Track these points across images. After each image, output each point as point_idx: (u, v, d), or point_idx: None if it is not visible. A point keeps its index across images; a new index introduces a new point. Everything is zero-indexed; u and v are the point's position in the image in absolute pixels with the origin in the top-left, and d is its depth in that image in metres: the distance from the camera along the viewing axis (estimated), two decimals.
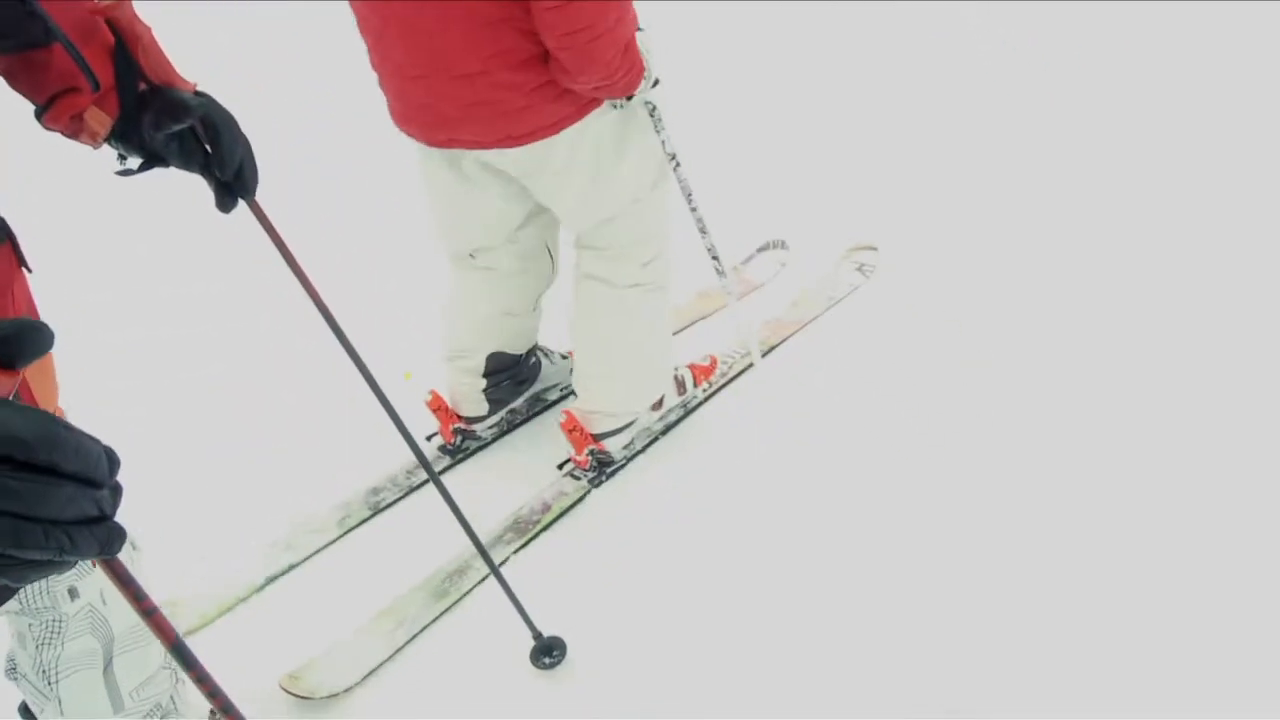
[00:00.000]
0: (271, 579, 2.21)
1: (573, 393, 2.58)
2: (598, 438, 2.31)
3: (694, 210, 2.22)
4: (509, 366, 2.42)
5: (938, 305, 2.86)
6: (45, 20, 1.19)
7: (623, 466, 2.39)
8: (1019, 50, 4.29)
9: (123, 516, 0.64)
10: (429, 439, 2.44)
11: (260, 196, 1.43)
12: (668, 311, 2.31)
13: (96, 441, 0.60)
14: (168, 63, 1.31)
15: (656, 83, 1.96)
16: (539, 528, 2.25)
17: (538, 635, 1.95)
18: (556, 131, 1.91)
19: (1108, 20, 4.44)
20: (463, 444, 2.47)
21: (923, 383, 2.59)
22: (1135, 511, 2.17)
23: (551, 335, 2.62)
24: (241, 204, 1.41)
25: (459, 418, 2.44)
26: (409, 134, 2.03)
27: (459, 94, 1.85)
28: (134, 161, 1.35)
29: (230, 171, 1.35)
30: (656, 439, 2.47)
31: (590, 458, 2.31)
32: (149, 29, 1.29)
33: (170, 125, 1.29)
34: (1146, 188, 3.33)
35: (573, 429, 2.29)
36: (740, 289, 2.89)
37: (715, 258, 2.31)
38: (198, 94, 1.33)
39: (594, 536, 2.28)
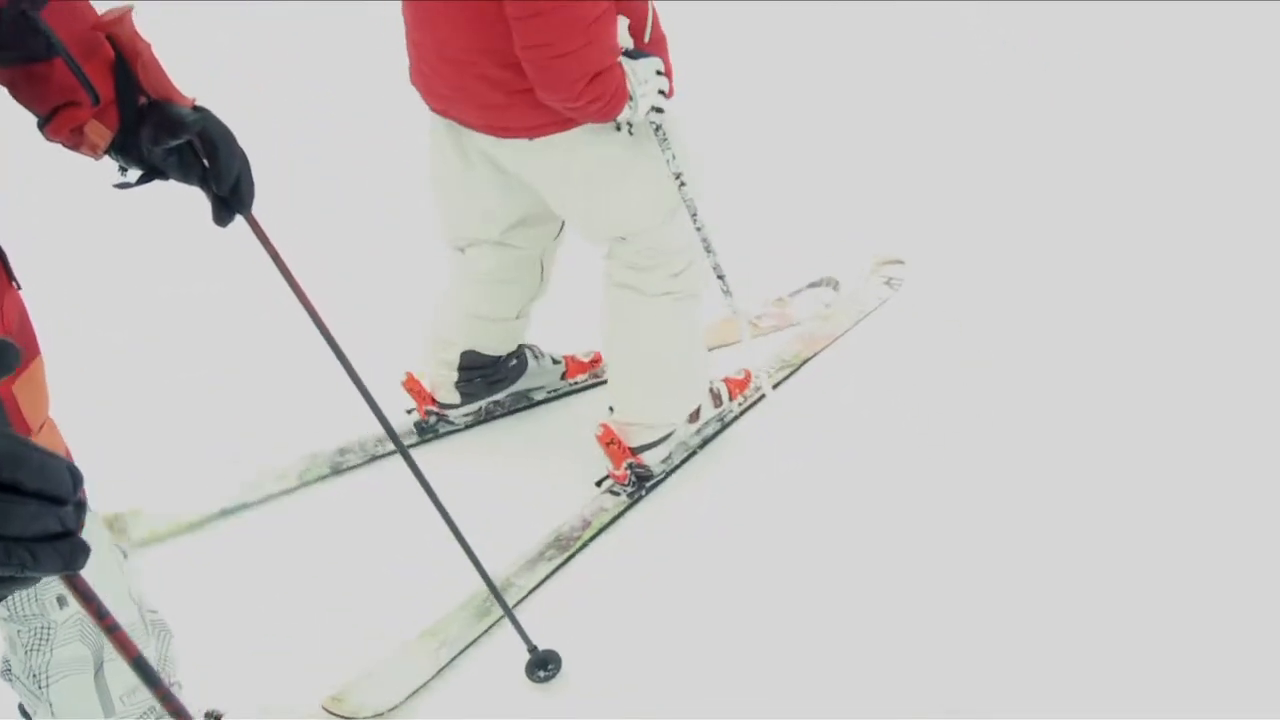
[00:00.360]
0: (226, 512, 2.30)
1: (558, 396, 2.61)
2: (635, 451, 2.28)
3: (699, 229, 2.16)
4: (483, 365, 2.42)
5: (963, 317, 2.86)
6: (48, 35, 1.22)
7: (662, 481, 2.36)
8: (1019, 50, 4.29)
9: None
10: (408, 412, 2.48)
11: (261, 196, 1.44)
12: (701, 319, 2.28)
13: (60, 458, 0.61)
14: (166, 78, 1.33)
15: (658, 110, 1.94)
16: (579, 544, 2.21)
17: (533, 649, 1.95)
18: (535, 136, 1.93)
19: (1108, 20, 4.45)
20: (435, 425, 2.49)
21: (946, 396, 2.60)
22: (1133, 517, 2.21)
23: (552, 338, 2.61)
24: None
25: (434, 401, 2.45)
26: (418, 91, 2.07)
27: (449, 75, 1.93)
28: (133, 174, 1.38)
29: (226, 186, 1.38)
30: (694, 453, 2.44)
31: (629, 472, 2.28)
32: (149, 45, 1.31)
33: (168, 140, 1.32)
34: (1156, 188, 3.35)
35: (610, 442, 2.26)
36: (777, 322, 2.86)
37: (721, 276, 2.25)
38: (197, 109, 1.35)
39: (632, 552, 2.26)
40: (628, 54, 1.87)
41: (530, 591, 2.12)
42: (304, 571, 2.20)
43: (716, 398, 2.44)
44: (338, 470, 2.41)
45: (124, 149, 1.33)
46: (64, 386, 2.61)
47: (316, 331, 1.64)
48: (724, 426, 2.50)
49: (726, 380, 2.51)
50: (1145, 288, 2.91)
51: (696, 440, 2.44)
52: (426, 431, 2.49)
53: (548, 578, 2.15)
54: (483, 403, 2.50)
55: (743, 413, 2.57)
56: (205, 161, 1.36)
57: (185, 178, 1.38)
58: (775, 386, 2.62)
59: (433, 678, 1.97)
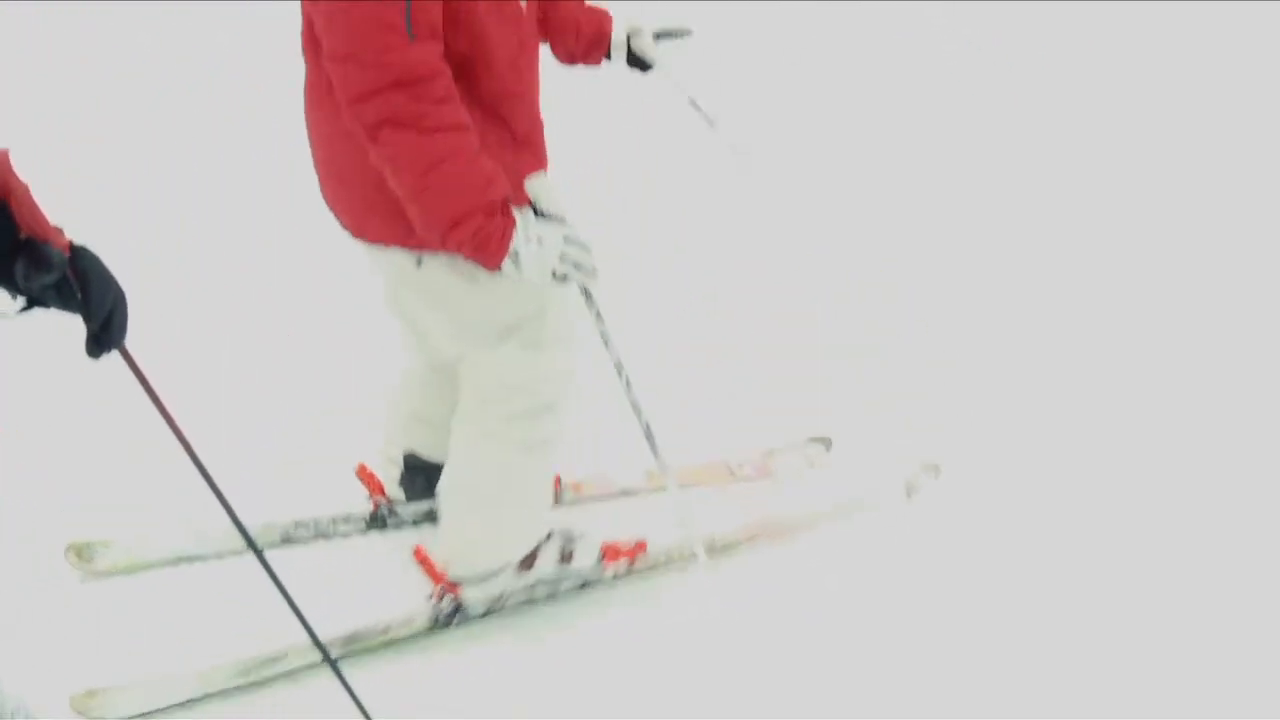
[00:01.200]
0: (179, 559, 2.40)
1: None
2: (452, 581, 2.22)
3: (629, 390, 2.02)
4: (425, 469, 2.40)
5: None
6: None
7: (477, 619, 2.26)
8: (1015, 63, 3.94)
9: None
10: (368, 498, 2.50)
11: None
12: (536, 472, 2.14)
13: None
14: (42, 217, 1.44)
15: (577, 282, 1.82)
16: (359, 648, 2.21)
17: None
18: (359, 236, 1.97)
19: (1079, 28, 4.21)
20: (385, 517, 2.49)
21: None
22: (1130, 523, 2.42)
23: None
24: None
25: (383, 492, 2.48)
26: None
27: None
28: (16, 305, 1.48)
29: (97, 323, 1.47)
30: (536, 602, 2.30)
31: (442, 596, 2.23)
32: (25, 186, 1.43)
33: (38, 278, 1.41)
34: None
35: (422, 560, 2.23)
36: (754, 473, 2.57)
37: (649, 438, 2.10)
38: (73, 247, 1.46)
39: (419, 678, 2.18)
40: (537, 211, 1.80)
41: (287, 673, 2.17)
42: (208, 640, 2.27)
43: (567, 556, 2.26)
44: (287, 540, 2.46)
45: (2, 279, 1.45)
46: (66, 388, 3.08)
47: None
48: (585, 587, 2.32)
49: (607, 545, 2.31)
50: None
51: (542, 591, 2.30)
52: (375, 522, 2.49)
53: (303, 669, 2.15)
54: (431, 504, 2.48)
55: (658, 567, 2.38)
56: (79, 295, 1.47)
57: (65, 307, 1.48)
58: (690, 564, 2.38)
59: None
